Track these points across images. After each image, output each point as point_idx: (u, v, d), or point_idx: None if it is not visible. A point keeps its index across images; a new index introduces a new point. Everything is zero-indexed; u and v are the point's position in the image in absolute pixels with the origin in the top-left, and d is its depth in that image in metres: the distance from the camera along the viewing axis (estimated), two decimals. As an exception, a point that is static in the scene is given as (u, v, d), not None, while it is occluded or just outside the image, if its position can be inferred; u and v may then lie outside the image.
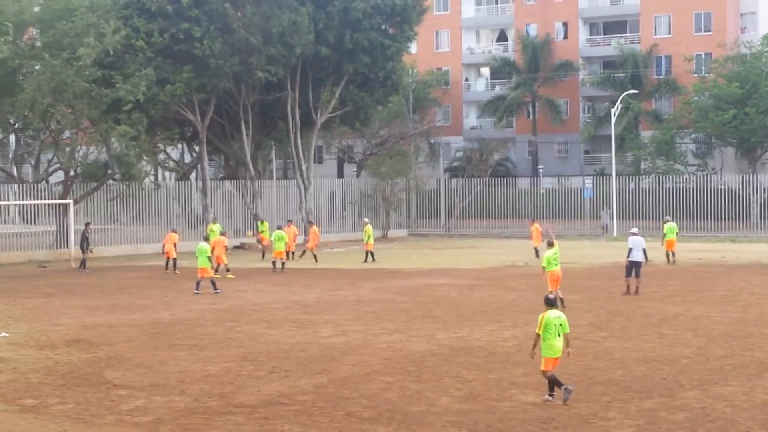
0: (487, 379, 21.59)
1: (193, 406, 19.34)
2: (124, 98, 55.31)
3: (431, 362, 23.53)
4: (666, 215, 63.23)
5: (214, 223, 55.17)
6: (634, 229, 39.12)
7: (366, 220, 58.39)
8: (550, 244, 33.13)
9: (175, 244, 48.76)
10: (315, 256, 52.55)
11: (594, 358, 23.80)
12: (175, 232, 50.42)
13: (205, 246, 39.54)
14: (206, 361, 24.00)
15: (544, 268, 32.63)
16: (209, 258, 39.39)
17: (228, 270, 44.74)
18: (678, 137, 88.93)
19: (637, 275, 36.70)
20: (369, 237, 54.09)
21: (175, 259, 48.51)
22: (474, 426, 17.50)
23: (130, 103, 55.47)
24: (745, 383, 20.87)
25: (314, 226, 56.71)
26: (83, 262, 50.49)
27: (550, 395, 19.14)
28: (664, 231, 51.12)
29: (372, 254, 53.34)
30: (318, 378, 21.82)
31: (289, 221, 56.92)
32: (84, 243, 51.21)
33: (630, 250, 36.81)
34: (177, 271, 47.66)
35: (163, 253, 49.40)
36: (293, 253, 53.23)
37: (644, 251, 37.08)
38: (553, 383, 19.06)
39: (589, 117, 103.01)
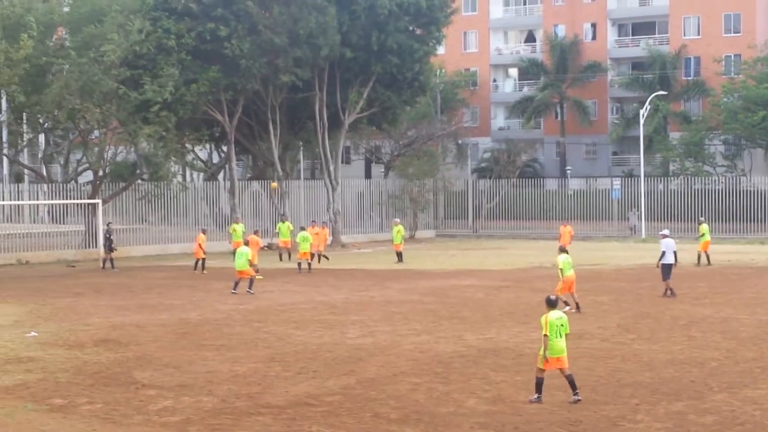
0: (514, 380, 21.56)
1: (220, 406, 19.38)
2: (152, 99, 55.52)
3: (459, 363, 23.51)
4: (696, 217, 63.01)
5: (236, 223, 55.05)
6: (665, 231, 38.93)
7: (397, 220, 58.07)
8: (563, 250, 33.41)
9: (200, 245, 48.66)
10: (319, 257, 51.56)
11: (622, 360, 23.73)
12: (204, 232, 50.32)
13: (245, 250, 39.48)
14: (234, 361, 24.05)
15: (561, 270, 32.63)
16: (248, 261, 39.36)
17: (257, 271, 44.59)
18: (707, 139, 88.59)
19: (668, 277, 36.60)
20: (398, 237, 53.81)
21: (203, 260, 48.46)
22: (501, 428, 17.48)
23: (158, 105, 55.67)
24: (775, 386, 20.78)
25: (322, 227, 55.74)
26: (111, 262, 50.60)
27: (538, 397, 19.38)
28: (702, 232, 50.48)
29: (400, 255, 53.23)
30: (345, 379, 21.83)
31: (313, 222, 56.41)
32: (107, 243, 51.28)
33: (663, 253, 36.55)
34: (205, 271, 47.67)
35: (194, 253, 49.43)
36: (320, 255, 52.35)
37: (675, 254, 36.90)
38: (539, 385, 19.41)
39: (617, 118, 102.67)
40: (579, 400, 19.12)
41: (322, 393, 20.42)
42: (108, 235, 51.45)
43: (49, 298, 37.58)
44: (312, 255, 49.52)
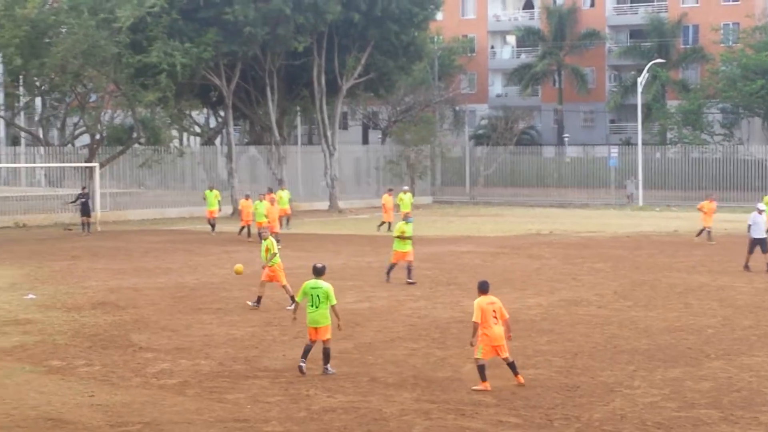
0: (511, 346, 21.45)
1: (218, 369, 19.43)
2: (157, 64, 55.29)
3: (456, 329, 23.56)
4: (693, 185, 62.99)
5: (282, 189, 53.96)
6: (761, 206, 36.93)
7: (405, 188, 56.60)
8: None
9: (243, 210, 47.13)
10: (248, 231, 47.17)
11: (619, 327, 23.79)
12: (248, 198, 47.72)
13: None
14: (231, 325, 24.10)
15: None
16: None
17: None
18: (705, 107, 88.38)
19: (764, 251, 34.84)
20: (404, 205, 52.39)
21: (248, 226, 46.57)
22: (498, 393, 17.52)
23: (164, 72, 55.46)
24: (771, 354, 20.84)
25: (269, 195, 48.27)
26: (87, 226, 50.29)
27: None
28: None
29: (390, 225, 51.96)
30: (343, 343, 21.85)
31: (270, 189, 51.99)
32: (83, 207, 50.71)
33: (749, 226, 35.43)
34: (250, 238, 45.68)
35: (242, 219, 47.67)
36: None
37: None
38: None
39: (615, 86, 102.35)
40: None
41: (319, 357, 20.39)
42: (84, 200, 50.94)
43: (46, 261, 37.61)
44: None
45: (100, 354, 20.86)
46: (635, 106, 79.12)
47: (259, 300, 26.69)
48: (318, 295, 18.82)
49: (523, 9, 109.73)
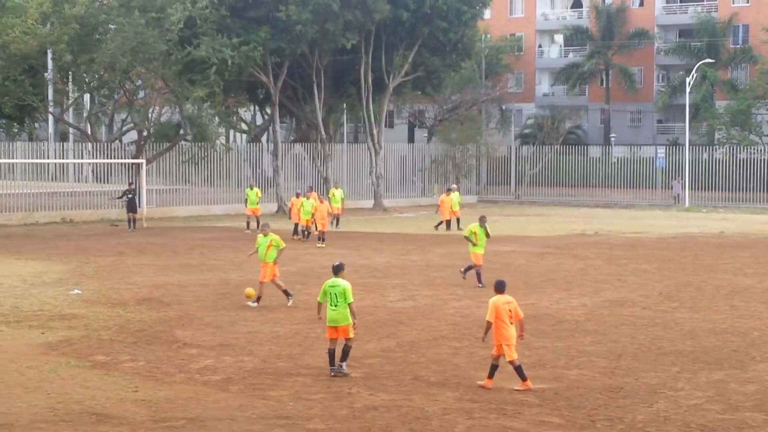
0: (555, 346, 21.54)
1: (261, 366, 19.49)
2: (207, 59, 55.52)
3: (499, 329, 23.47)
4: (741, 186, 62.52)
5: (336, 187, 53.75)
6: None
7: (454, 186, 56.47)
8: None
9: (292, 208, 46.97)
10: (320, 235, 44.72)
11: (664, 329, 23.66)
12: (298, 196, 47.08)
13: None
14: (275, 322, 24.16)
15: None
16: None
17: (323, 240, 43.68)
18: (754, 108, 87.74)
19: None
20: (453, 204, 51.91)
21: (300, 226, 45.99)
22: (541, 393, 17.47)
23: (214, 66, 55.72)
24: (817, 357, 20.66)
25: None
26: (133, 222, 50.67)
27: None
28: None
29: (449, 223, 51.66)
30: (386, 342, 21.89)
31: (310, 188, 52.17)
32: (129, 203, 51.08)
33: None
34: (295, 236, 45.48)
35: (289, 217, 47.82)
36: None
37: None
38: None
39: (663, 86, 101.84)
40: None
41: (362, 355, 20.47)
42: (131, 196, 51.26)
43: (92, 257, 37.83)
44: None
45: (145, 350, 20.98)
46: (683, 106, 78.65)
47: (258, 300, 26.65)
48: (336, 294, 18.67)
49: (572, 8, 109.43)
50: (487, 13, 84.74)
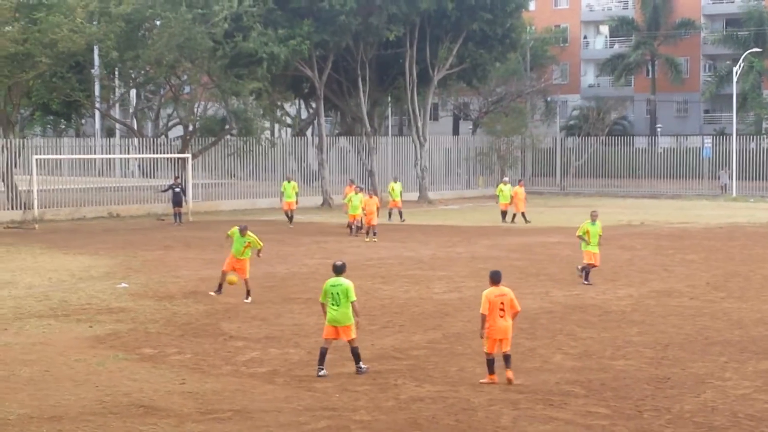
0: (601, 337, 21.47)
1: (307, 358, 19.53)
2: (255, 52, 55.68)
3: (545, 319, 23.47)
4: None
5: (395, 181, 52.95)
6: None
7: (506, 179, 56.17)
8: None
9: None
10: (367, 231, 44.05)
11: (711, 319, 23.52)
12: (357, 190, 45.72)
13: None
14: (320, 315, 24.02)
15: None
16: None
17: (375, 234, 43.32)
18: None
19: None
20: (503, 197, 51.36)
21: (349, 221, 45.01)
22: (588, 384, 17.42)
23: (265, 61, 55.90)
24: None
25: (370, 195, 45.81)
26: (179, 216, 50.83)
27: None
28: None
29: (507, 214, 51.40)
30: (431, 333, 21.90)
31: (351, 181, 52.06)
32: (175, 197, 51.21)
33: None
34: (362, 230, 44.34)
35: (346, 212, 45.92)
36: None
37: None
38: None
39: (709, 76, 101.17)
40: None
41: (408, 347, 20.49)
42: (178, 189, 51.43)
43: (139, 251, 38.03)
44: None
45: (191, 342, 21.08)
46: (730, 95, 78.13)
47: (220, 288, 27.04)
48: (338, 293, 18.17)
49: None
50: (532, 5, 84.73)
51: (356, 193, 44.73)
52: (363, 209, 43.60)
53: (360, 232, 44.03)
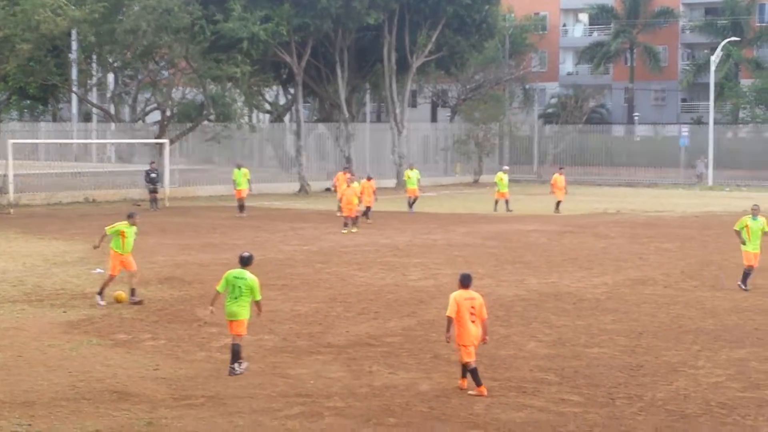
0: (575, 325, 21.53)
1: (281, 345, 19.54)
2: (237, 33, 55.43)
3: (520, 307, 23.53)
4: (763, 165, 62.28)
5: (411, 169, 51.44)
6: None
7: (506, 167, 55.65)
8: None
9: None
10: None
11: (685, 307, 23.62)
12: (370, 179, 45.20)
13: None
14: (296, 301, 24.20)
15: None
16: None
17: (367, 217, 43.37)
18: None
19: None
20: (502, 186, 51.21)
21: (368, 207, 43.97)
22: (561, 371, 17.47)
23: (245, 41, 55.67)
24: (839, 336, 20.58)
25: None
26: (154, 202, 50.60)
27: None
28: None
29: (507, 203, 51.02)
30: (406, 320, 21.93)
31: (345, 168, 51.84)
32: (150, 182, 51.01)
33: None
34: (369, 220, 43.68)
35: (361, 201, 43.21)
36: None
37: None
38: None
39: (688, 64, 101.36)
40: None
41: (382, 334, 20.52)
42: (153, 175, 51.08)
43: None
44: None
45: (166, 328, 21.06)
46: (708, 84, 78.39)
47: (133, 292, 24.08)
48: (241, 287, 17.38)
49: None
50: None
51: (354, 183, 42.54)
52: (360, 195, 42.32)
53: (359, 222, 42.43)
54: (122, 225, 24.36)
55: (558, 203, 50.22)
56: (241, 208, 47.41)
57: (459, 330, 16.24)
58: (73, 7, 52.44)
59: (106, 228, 24.48)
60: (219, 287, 17.75)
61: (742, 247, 26.71)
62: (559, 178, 50.88)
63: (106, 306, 23.33)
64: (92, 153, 72.22)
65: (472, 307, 16.30)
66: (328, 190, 62.24)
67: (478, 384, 16.17)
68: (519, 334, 20.54)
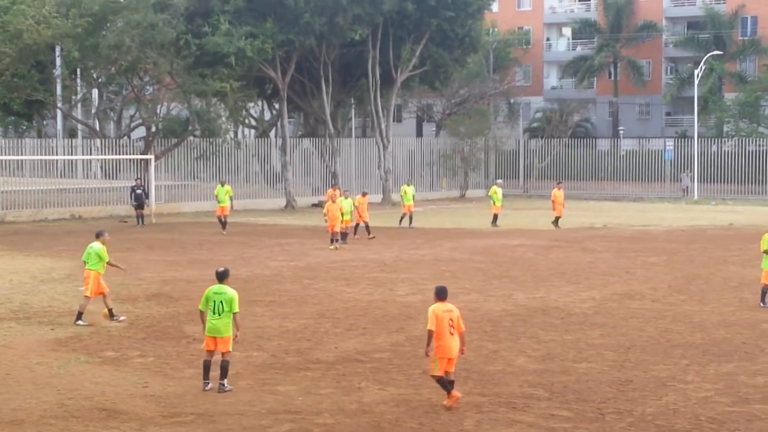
0: (564, 339, 21.54)
1: (270, 361, 19.51)
2: (223, 49, 55.42)
3: (508, 322, 23.53)
4: (749, 179, 62.43)
5: (408, 184, 51.21)
6: None
7: (499, 181, 55.79)
8: None
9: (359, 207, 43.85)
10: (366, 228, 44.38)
11: (673, 321, 23.65)
12: (365, 195, 45.12)
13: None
14: (284, 317, 24.18)
15: None
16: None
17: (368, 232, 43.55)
18: (762, 100, 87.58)
19: None
20: (497, 200, 50.94)
21: (366, 223, 43.88)
22: (550, 386, 17.48)
23: (232, 55, 55.69)
24: (827, 349, 20.63)
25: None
26: (140, 218, 50.33)
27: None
28: None
29: (496, 217, 50.77)
30: (395, 336, 21.92)
31: (334, 186, 51.61)
32: (136, 199, 50.69)
33: None
34: (371, 236, 43.47)
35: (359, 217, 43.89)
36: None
37: None
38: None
39: (671, 78, 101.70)
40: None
41: (371, 349, 20.51)
42: (139, 191, 50.91)
43: (101, 253, 37.77)
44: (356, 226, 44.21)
45: (154, 345, 21.01)
46: (692, 98, 78.63)
47: (111, 312, 23.59)
48: (222, 302, 17.31)
49: (580, 1, 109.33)
50: (495, 7, 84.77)
51: (345, 198, 42.86)
52: (358, 211, 42.76)
53: (355, 237, 43.05)
54: (102, 248, 23.73)
55: (557, 219, 50.02)
56: (223, 225, 47.08)
57: (438, 343, 16.19)
58: (56, 14, 52.39)
59: (103, 257, 23.72)
60: (201, 305, 17.64)
61: (762, 264, 26.13)
62: (558, 194, 50.80)
63: (94, 324, 23.25)
64: (77, 169, 71.99)
65: (451, 320, 16.29)
66: (314, 205, 62.24)
67: (449, 391, 16.28)
68: (508, 350, 20.55)
